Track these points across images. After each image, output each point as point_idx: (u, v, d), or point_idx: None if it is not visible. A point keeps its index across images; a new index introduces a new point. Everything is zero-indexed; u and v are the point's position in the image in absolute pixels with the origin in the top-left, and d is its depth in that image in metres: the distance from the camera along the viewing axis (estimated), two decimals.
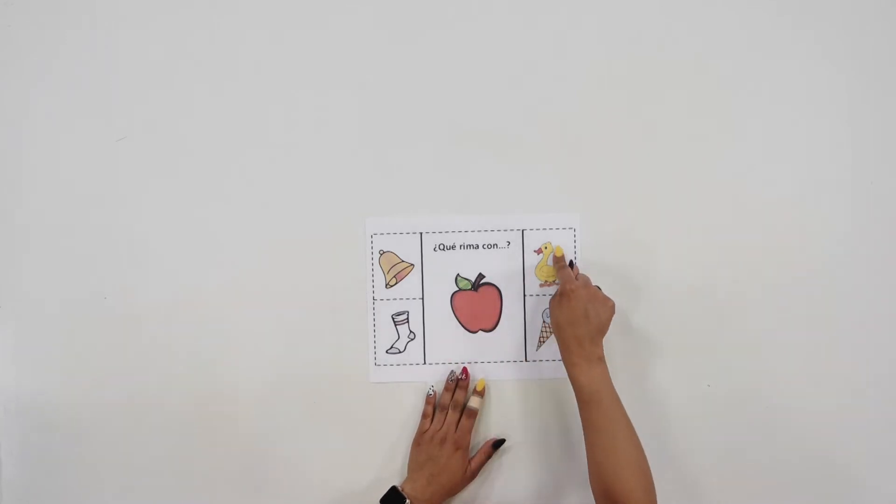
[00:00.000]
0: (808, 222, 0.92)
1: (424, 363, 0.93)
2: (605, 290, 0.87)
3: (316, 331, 0.93)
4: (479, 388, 0.90)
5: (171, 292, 0.93)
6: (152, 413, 0.92)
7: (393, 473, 0.92)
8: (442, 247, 0.93)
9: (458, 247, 0.93)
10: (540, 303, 0.93)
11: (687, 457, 0.92)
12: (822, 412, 0.92)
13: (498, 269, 0.93)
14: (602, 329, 0.83)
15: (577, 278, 0.86)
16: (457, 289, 0.93)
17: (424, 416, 0.91)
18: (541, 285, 0.93)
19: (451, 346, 0.93)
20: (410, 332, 0.93)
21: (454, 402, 0.89)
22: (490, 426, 0.92)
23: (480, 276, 0.93)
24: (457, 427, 0.88)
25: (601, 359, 0.82)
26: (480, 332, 0.93)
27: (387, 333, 0.93)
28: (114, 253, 0.93)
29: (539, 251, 0.93)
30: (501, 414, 0.92)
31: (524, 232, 0.93)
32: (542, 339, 0.93)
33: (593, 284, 0.86)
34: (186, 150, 0.93)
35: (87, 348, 0.93)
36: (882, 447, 0.92)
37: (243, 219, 0.93)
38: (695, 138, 0.93)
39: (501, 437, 0.91)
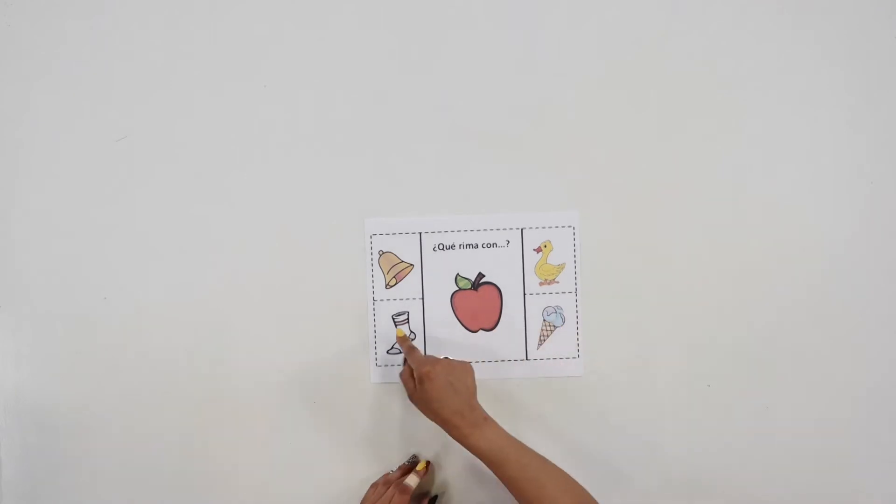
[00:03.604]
0: (809, 222, 0.92)
1: None
2: (606, 290, 0.87)
3: (316, 331, 0.93)
4: (418, 469, 0.88)
5: (171, 292, 0.93)
6: (152, 413, 0.92)
7: None
8: (441, 246, 0.93)
9: (457, 246, 0.93)
10: (540, 301, 0.93)
11: (687, 457, 0.92)
12: (822, 412, 0.92)
13: (498, 268, 0.93)
14: (472, 392, 0.81)
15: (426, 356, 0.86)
16: (457, 288, 0.93)
17: (373, 485, 0.88)
18: (540, 284, 0.93)
19: (451, 346, 0.93)
20: (411, 332, 0.93)
21: (398, 483, 0.86)
22: None
23: (480, 276, 0.93)
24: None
25: (486, 418, 0.80)
26: (481, 331, 0.93)
27: (387, 334, 0.93)
28: (113, 253, 0.93)
29: (539, 249, 0.93)
30: (503, 413, 0.92)
31: (523, 230, 0.93)
32: (542, 338, 0.93)
33: (441, 357, 0.85)
34: (186, 150, 0.93)
35: (87, 348, 0.93)
36: (882, 448, 0.92)
37: (243, 219, 0.93)
38: (695, 138, 0.93)
39: (436, 493, 0.91)
